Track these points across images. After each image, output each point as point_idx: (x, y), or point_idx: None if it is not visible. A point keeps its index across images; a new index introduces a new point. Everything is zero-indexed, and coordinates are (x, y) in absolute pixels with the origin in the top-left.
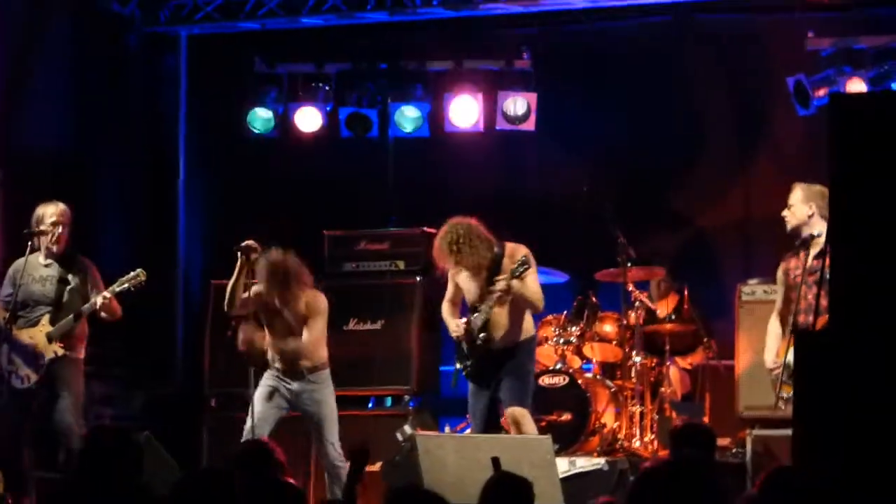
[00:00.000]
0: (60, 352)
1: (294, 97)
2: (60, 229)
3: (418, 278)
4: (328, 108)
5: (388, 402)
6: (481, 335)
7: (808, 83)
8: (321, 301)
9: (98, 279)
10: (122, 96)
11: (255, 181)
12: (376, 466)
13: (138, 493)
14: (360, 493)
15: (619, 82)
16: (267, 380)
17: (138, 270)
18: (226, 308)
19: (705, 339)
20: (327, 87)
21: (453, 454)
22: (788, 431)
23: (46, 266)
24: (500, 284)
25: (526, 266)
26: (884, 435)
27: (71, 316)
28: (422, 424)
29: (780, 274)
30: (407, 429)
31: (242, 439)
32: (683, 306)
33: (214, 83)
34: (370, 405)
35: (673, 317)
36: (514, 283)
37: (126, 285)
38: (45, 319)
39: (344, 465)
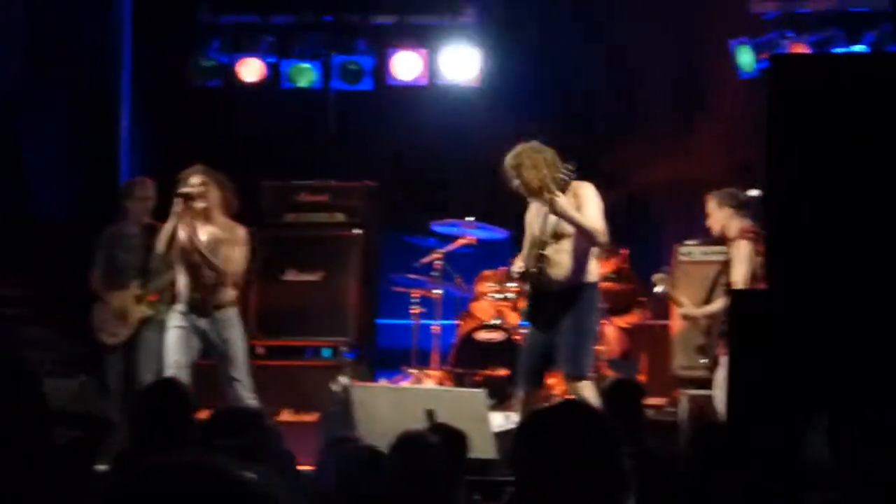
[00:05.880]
0: (149, 312)
1: (237, 48)
2: (152, 207)
3: (357, 231)
4: (271, 60)
5: (326, 353)
6: (539, 265)
7: (751, 46)
8: (242, 231)
9: None
10: (67, 42)
11: (197, 131)
12: (313, 416)
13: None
14: None
15: (559, 42)
16: (174, 321)
17: None
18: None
19: (643, 300)
20: (271, 39)
21: (387, 405)
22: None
23: (133, 235)
24: (545, 196)
25: (569, 171)
26: (817, 392)
27: (160, 280)
28: (358, 376)
29: None
30: (343, 380)
31: None
32: (622, 266)
33: (159, 32)
34: (307, 355)
35: (612, 276)
36: (561, 201)
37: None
38: (134, 284)
39: (254, 403)
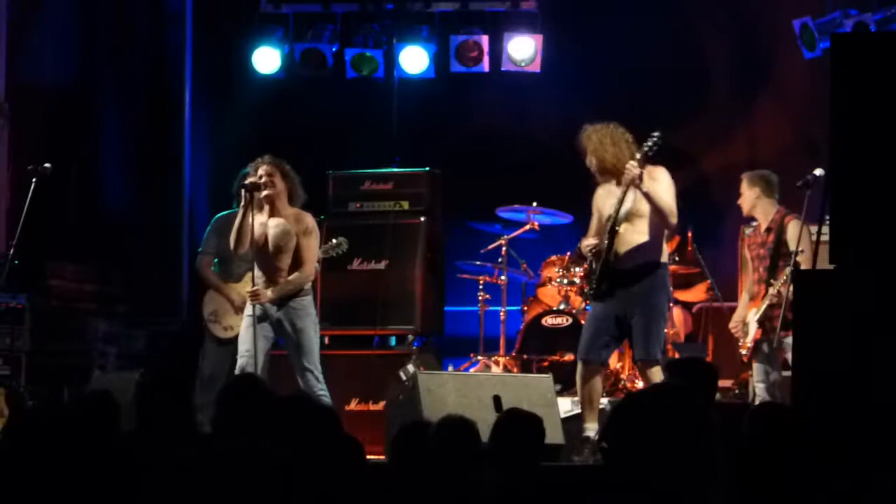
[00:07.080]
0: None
1: (300, 37)
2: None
3: (422, 219)
4: (334, 49)
5: (393, 341)
6: (612, 243)
7: (815, 26)
8: (311, 220)
9: None
10: (129, 34)
11: (261, 120)
12: (380, 405)
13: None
14: None
15: (623, 25)
16: (248, 310)
17: (341, 239)
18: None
19: (708, 281)
20: (333, 28)
21: (454, 393)
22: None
23: None
24: (631, 163)
25: (657, 143)
26: (883, 374)
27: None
28: (425, 364)
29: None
30: (410, 368)
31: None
32: (687, 248)
33: (220, 22)
34: (374, 344)
35: (676, 258)
36: (647, 180)
37: (331, 253)
38: (249, 276)
39: (325, 393)
